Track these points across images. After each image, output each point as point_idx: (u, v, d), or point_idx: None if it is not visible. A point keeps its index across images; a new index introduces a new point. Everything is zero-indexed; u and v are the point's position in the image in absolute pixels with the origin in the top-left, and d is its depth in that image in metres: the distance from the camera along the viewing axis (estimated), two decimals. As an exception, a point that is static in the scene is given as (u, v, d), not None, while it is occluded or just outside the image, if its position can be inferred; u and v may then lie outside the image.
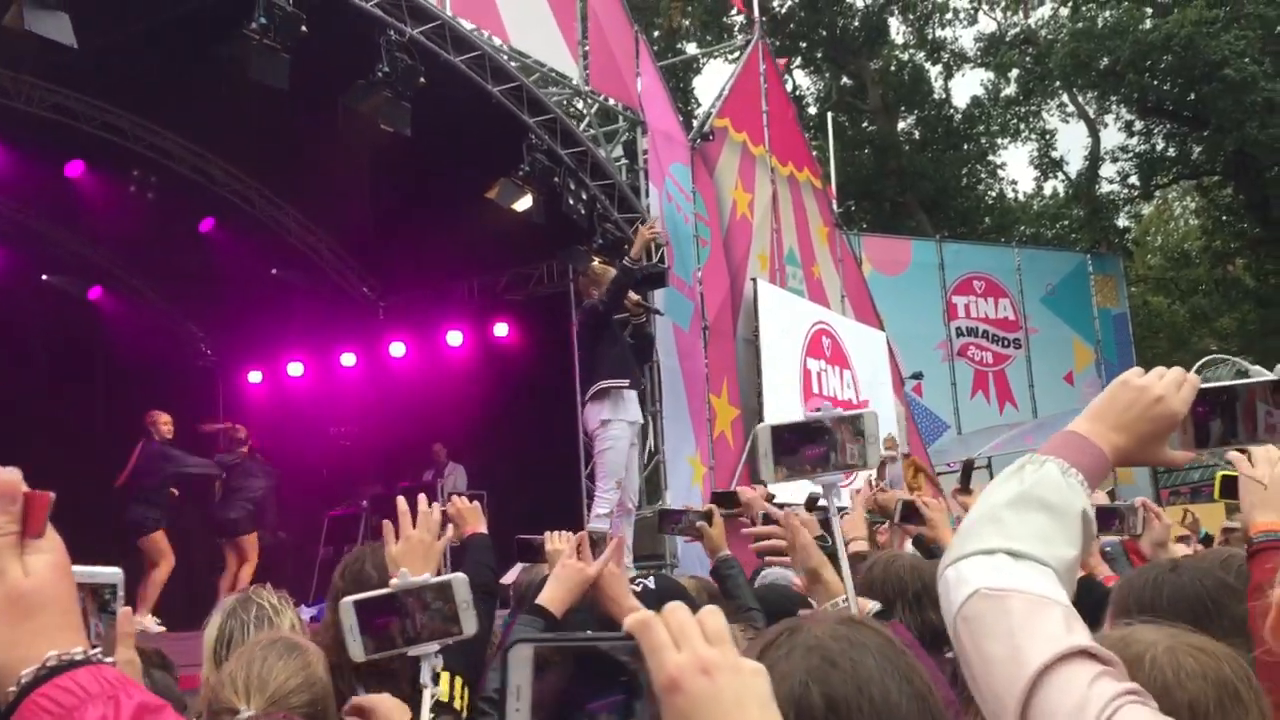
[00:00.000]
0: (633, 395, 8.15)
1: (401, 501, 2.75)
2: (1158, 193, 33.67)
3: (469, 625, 2.00)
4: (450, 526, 3.48)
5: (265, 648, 2.25)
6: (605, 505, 7.81)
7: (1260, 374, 1.58)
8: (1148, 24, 25.62)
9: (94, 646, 1.17)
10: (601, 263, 8.97)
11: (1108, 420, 1.49)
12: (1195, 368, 1.55)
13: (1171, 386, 1.52)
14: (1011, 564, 1.32)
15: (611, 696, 1.08)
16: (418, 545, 2.66)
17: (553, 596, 2.90)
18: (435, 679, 1.95)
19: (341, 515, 11.81)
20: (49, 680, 0.89)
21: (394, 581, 2.00)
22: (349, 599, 1.97)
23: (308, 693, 2.18)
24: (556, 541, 3.62)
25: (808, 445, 2.27)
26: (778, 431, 2.27)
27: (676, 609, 1.03)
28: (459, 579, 2.02)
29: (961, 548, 1.37)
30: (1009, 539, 1.34)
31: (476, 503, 3.56)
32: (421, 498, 2.80)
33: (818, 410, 2.31)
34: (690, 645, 0.99)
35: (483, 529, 3.50)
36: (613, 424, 7.93)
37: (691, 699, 0.96)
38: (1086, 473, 1.42)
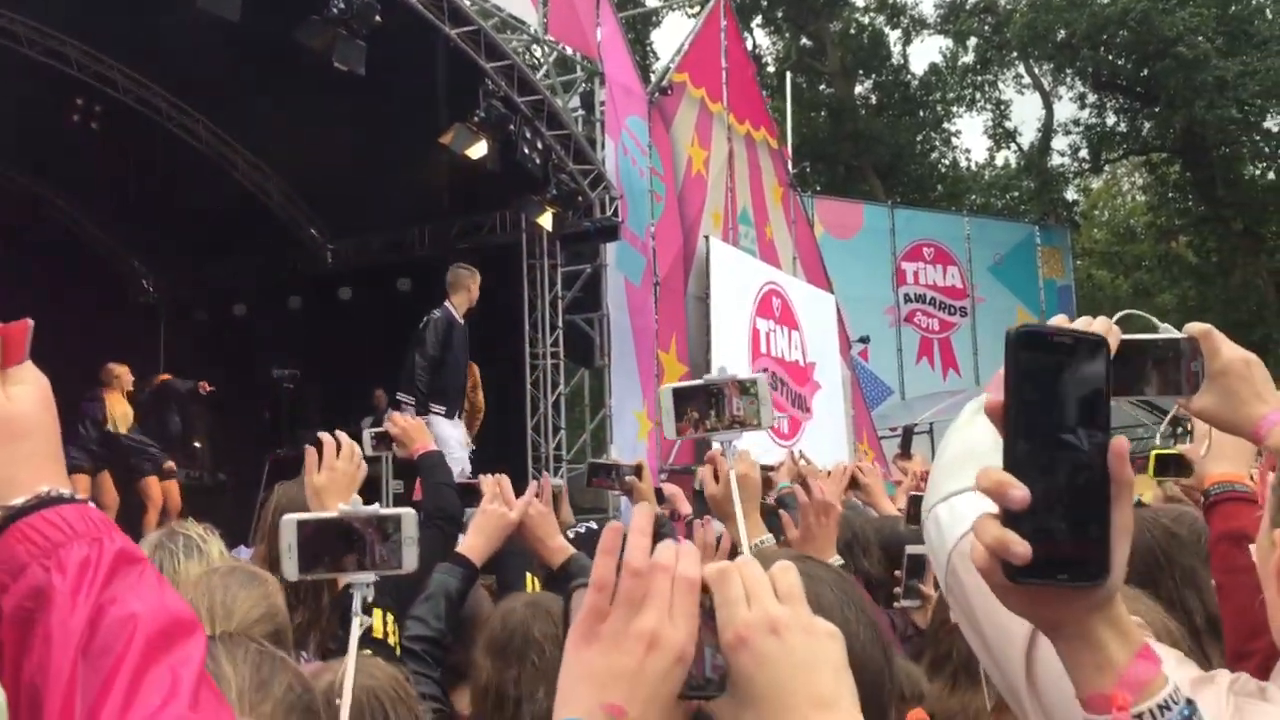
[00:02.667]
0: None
1: (325, 434, 2.77)
2: (1107, 167, 34.08)
3: (410, 561, 1.98)
4: (395, 446, 3.46)
5: (225, 576, 2.23)
6: None
7: (1169, 330, 1.62)
8: (1105, -2, 25.82)
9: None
10: (464, 268, 9.10)
11: None
12: (1115, 319, 1.56)
13: (1103, 331, 1.51)
14: None
15: None
16: (340, 476, 2.68)
17: (473, 545, 2.91)
18: (367, 610, 1.93)
19: (283, 458, 11.70)
20: (36, 511, 0.87)
21: (342, 506, 1.97)
22: (292, 516, 1.93)
23: (270, 623, 2.17)
24: (492, 485, 3.61)
25: (706, 405, 2.43)
26: (679, 392, 2.44)
27: (750, 564, 1.02)
28: (408, 514, 1.99)
29: (947, 485, 1.36)
30: None
31: (420, 419, 3.52)
32: (340, 433, 2.81)
33: (712, 374, 2.46)
34: (761, 602, 0.98)
35: (433, 446, 3.47)
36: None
37: (758, 658, 0.96)
38: None
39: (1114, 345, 1.51)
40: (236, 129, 12.51)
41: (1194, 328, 1.62)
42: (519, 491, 3.10)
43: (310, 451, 2.73)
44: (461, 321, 8.92)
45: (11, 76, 10.77)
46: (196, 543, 2.59)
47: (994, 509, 1.29)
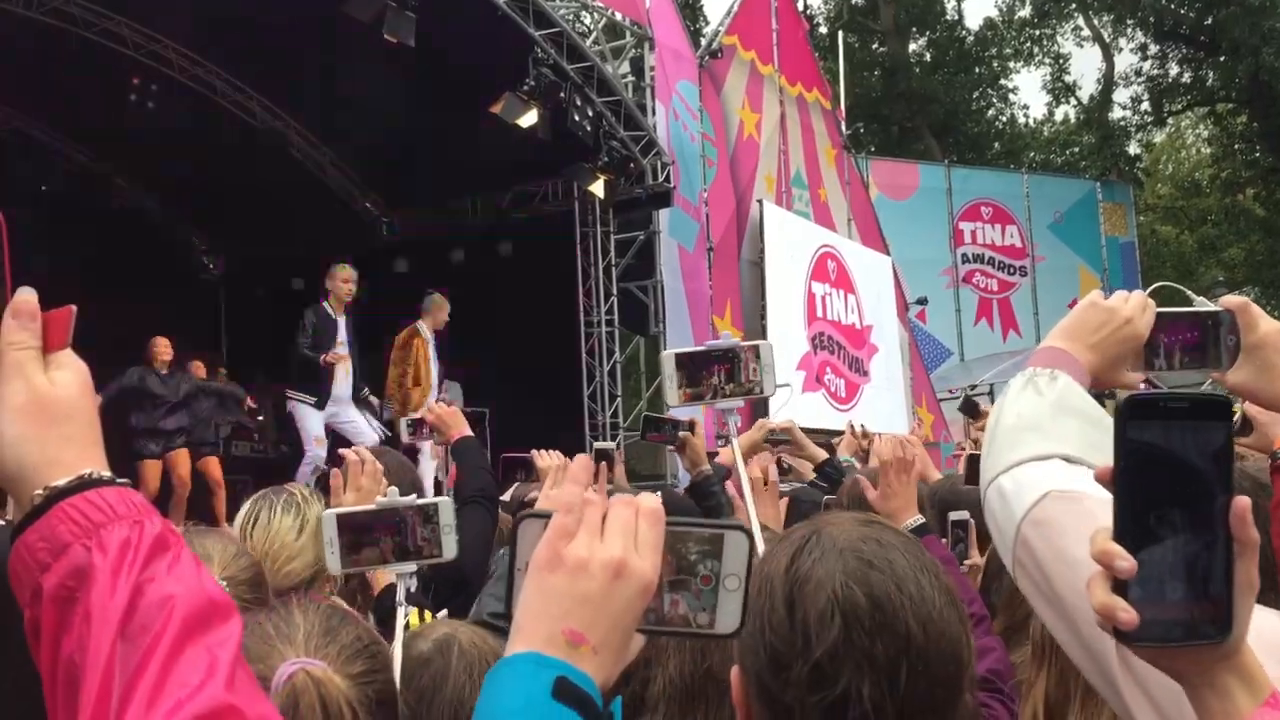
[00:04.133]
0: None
1: (350, 453, 2.81)
2: (1170, 120, 33.26)
3: (449, 549, 2.00)
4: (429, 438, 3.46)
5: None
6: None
7: (1204, 304, 1.61)
8: (1168, -55, 25.12)
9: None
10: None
11: (1081, 339, 1.50)
12: (1147, 292, 1.58)
13: (1137, 310, 1.54)
14: (1069, 469, 1.29)
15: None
16: (366, 496, 2.69)
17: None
18: (412, 600, 1.95)
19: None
20: (79, 492, 0.89)
21: (379, 499, 1.99)
22: (331, 511, 1.96)
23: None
24: (546, 458, 3.62)
25: (709, 372, 2.36)
26: (681, 358, 2.37)
27: (622, 502, 1.03)
28: (445, 503, 2.01)
29: (1009, 456, 1.33)
30: (1059, 445, 1.32)
31: (454, 405, 3.55)
32: (362, 449, 2.86)
33: (717, 339, 2.40)
34: (597, 540, 0.99)
35: (468, 431, 3.49)
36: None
37: (537, 585, 0.97)
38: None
39: (1150, 320, 1.54)
40: (290, 104, 12.60)
41: (1230, 300, 1.59)
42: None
43: (336, 474, 2.78)
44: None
45: (70, 59, 10.93)
46: (298, 500, 2.67)
47: (1064, 481, 1.27)
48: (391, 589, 2.51)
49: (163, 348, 9.87)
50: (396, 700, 1.49)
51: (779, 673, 1.18)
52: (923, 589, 1.20)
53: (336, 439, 9.03)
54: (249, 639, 1.33)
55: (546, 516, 1.02)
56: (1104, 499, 1.23)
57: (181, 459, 9.84)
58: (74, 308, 0.98)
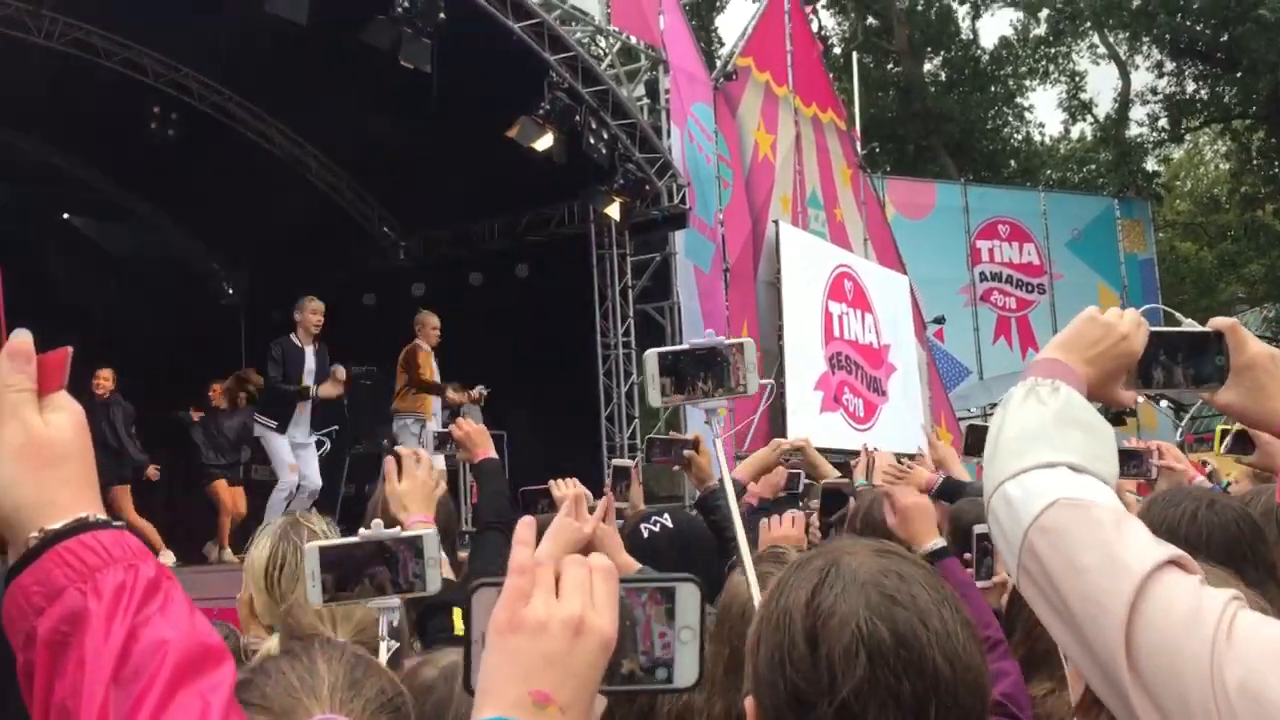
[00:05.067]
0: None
1: (405, 449, 2.84)
2: (1188, 136, 33.15)
3: (433, 582, 1.97)
4: (455, 454, 3.49)
5: None
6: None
7: (1193, 325, 1.65)
8: (1182, -37, 25.10)
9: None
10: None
11: (1078, 352, 1.51)
12: (1140, 312, 1.59)
13: (1133, 326, 1.55)
14: (1076, 477, 1.29)
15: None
16: (421, 486, 2.72)
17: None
18: (394, 634, 1.93)
19: (363, 454, 11.87)
20: (74, 535, 0.89)
21: (363, 530, 1.96)
22: (314, 544, 1.93)
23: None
24: (563, 487, 3.61)
25: (693, 371, 2.34)
26: (664, 356, 2.34)
27: (574, 561, 1.04)
28: (429, 535, 1.98)
29: (1014, 464, 1.33)
30: (1066, 454, 1.32)
31: (483, 425, 3.56)
32: (420, 450, 2.88)
33: (701, 338, 2.38)
34: (553, 599, 0.99)
35: (493, 453, 3.51)
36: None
37: (501, 649, 0.97)
38: None
39: (1144, 337, 1.56)
40: (308, 130, 12.70)
41: (1220, 321, 1.63)
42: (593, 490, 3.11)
43: (390, 461, 2.78)
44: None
45: (92, 88, 11.07)
46: (320, 539, 2.65)
47: (1073, 489, 1.27)
48: (429, 609, 2.51)
49: (103, 379, 9.85)
50: None
51: (801, 710, 1.18)
52: (946, 623, 1.20)
53: None
54: (274, 689, 1.34)
55: (499, 584, 1.02)
56: (1109, 507, 1.24)
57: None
58: (69, 350, 0.97)
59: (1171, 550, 1.18)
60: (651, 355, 2.36)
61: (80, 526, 0.89)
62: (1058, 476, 1.29)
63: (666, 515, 3.28)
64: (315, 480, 9.38)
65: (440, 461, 8.99)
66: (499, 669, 0.96)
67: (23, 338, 0.95)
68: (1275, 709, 0.97)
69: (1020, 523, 1.27)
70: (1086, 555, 1.19)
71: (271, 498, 9.14)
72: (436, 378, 10.12)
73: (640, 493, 4.87)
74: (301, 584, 1.92)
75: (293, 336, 9.38)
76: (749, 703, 1.25)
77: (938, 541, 2.76)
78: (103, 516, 0.92)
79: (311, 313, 9.32)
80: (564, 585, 1.01)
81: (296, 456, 9.24)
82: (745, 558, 2.02)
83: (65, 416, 0.95)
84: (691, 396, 2.35)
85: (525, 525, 1.05)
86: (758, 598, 1.75)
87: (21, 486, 0.91)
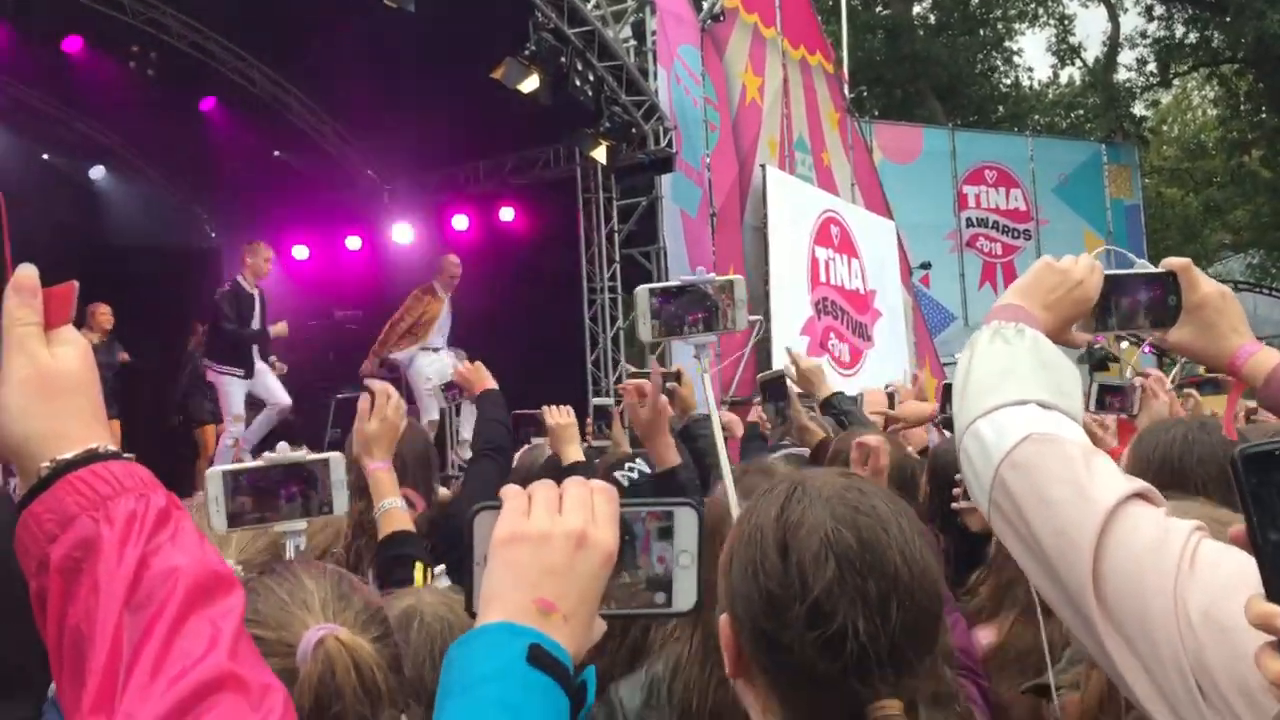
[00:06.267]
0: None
1: (376, 383, 2.84)
2: (1176, 81, 33.02)
3: (340, 504, 1.95)
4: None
5: None
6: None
7: (1146, 266, 1.71)
8: (1174, -97, 24.83)
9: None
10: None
11: (1036, 299, 1.56)
12: (1093, 255, 1.66)
13: (1087, 271, 1.61)
14: (1045, 414, 1.32)
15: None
16: (389, 429, 2.72)
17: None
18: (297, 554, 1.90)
19: (348, 398, 11.87)
20: (86, 465, 0.90)
21: (267, 454, 1.93)
22: (217, 468, 1.88)
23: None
24: (555, 415, 3.65)
25: (683, 307, 2.38)
26: (655, 293, 2.39)
27: (543, 485, 1.08)
28: (335, 458, 1.96)
29: (984, 402, 1.36)
30: (1035, 391, 1.35)
31: (479, 362, 3.60)
32: (389, 386, 2.87)
33: (692, 275, 2.42)
34: (540, 514, 1.03)
35: (491, 384, 3.56)
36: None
37: (500, 561, 1.01)
38: None
39: (1098, 281, 1.62)
40: (289, 71, 12.53)
41: (1172, 262, 1.68)
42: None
43: (364, 398, 2.77)
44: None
45: (69, 26, 10.88)
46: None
47: (1043, 424, 1.30)
48: (392, 538, 2.53)
49: (103, 316, 10.18)
50: (403, 665, 1.51)
51: (776, 614, 1.25)
52: (904, 531, 1.29)
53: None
54: (266, 606, 1.36)
55: (498, 507, 1.04)
56: (1081, 441, 1.26)
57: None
58: (75, 284, 0.98)
59: (1138, 483, 1.20)
60: (643, 291, 2.40)
61: (91, 457, 0.90)
62: (1028, 413, 1.32)
63: (640, 460, 3.29)
64: (284, 398, 9.68)
65: (435, 411, 9.18)
66: (503, 579, 0.99)
67: (28, 272, 0.96)
68: (1237, 635, 0.98)
69: (991, 459, 1.30)
70: (1056, 489, 1.22)
71: (219, 445, 9.39)
72: (441, 329, 10.43)
73: (623, 433, 4.87)
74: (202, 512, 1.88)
75: (241, 280, 9.61)
76: (723, 620, 1.31)
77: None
78: (113, 448, 0.93)
79: (265, 260, 9.70)
80: (565, 502, 1.04)
81: (258, 385, 9.50)
82: (727, 477, 2.07)
83: (72, 350, 0.96)
84: (681, 333, 2.39)
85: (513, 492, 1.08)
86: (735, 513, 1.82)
87: (32, 417, 0.91)
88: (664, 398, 3.05)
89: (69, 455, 0.90)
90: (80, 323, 9.52)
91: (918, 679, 1.26)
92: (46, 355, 0.94)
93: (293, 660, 1.30)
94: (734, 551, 1.31)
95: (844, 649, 1.22)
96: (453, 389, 3.81)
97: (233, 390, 9.35)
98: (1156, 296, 1.66)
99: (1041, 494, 1.23)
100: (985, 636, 2.49)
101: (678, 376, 4.14)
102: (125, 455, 0.93)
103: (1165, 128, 36.83)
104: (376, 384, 2.82)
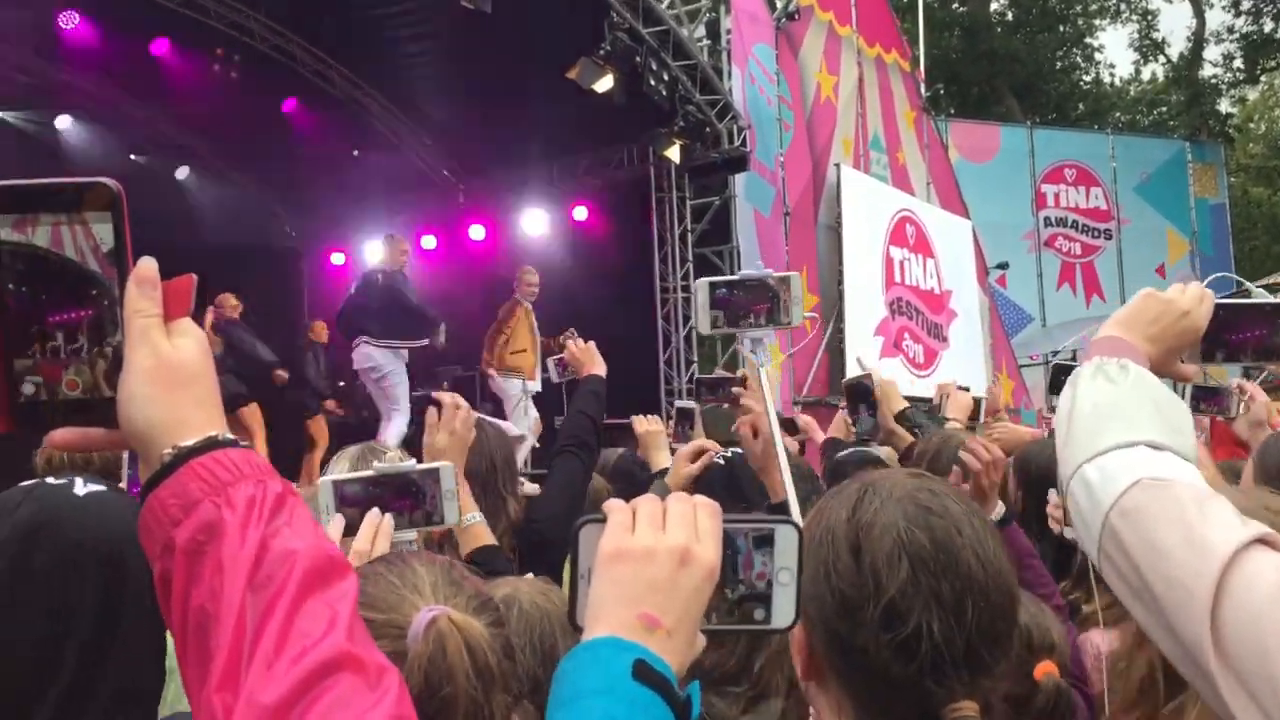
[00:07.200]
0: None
1: (445, 395, 2.78)
2: (1264, 77, 32.12)
3: (450, 515, 1.96)
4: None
5: None
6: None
7: (1262, 295, 1.66)
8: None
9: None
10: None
11: (1138, 330, 1.51)
12: (1205, 284, 1.58)
13: (1194, 302, 1.54)
14: (1155, 455, 1.26)
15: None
16: (458, 442, 2.65)
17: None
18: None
19: (424, 396, 11.99)
20: (207, 452, 0.92)
21: (377, 465, 1.95)
22: (328, 478, 1.92)
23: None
24: (645, 422, 3.66)
25: (746, 300, 2.43)
26: (715, 286, 2.44)
27: (648, 499, 1.09)
28: (446, 468, 1.98)
29: (1090, 445, 1.30)
30: (1143, 431, 1.29)
31: (592, 343, 3.56)
32: (458, 396, 2.83)
33: (753, 270, 2.46)
34: (640, 530, 1.04)
35: (600, 370, 3.47)
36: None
37: (608, 578, 1.03)
38: None
39: (1208, 311, 1.55)
40: (368, 73, 12.70)
41: None
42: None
43: (431, 411, 2.75)
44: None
45: (157, 28, 11.13)
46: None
47: (1153, 468, 1.24)
48: (485, 550, 2.52)
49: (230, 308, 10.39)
50: (515, 652, 1.52)
51: (849, 616, 1.25)
52: (977, 531, 1.29)
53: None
54: (376, 589, 1.38)
55: (603, 520, 1.06)
56: (1190, 485, 1.21)
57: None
58: (194, 277, 1.00)
59: (1258, 528, 1.14)
60: (703, 284, 2.45)
61: (211, 444, 0.93)
62: (1137, 456, 1.27)
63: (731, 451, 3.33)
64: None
65: (534, 413, 9.33)
66: (607, 595, 1.01)
67: (149, 265, 0.98)
68: None
69: (1100, 506, 1.25)
70: (1169, 536, 1.16)
71: (388, 433, 9.52)
72: (535, 334, 10.31)
73: (703, 433, 4.90)
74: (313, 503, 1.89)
75: (379, 271, 9.85)
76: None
77: (1000, 508, 2.70)
78: (231, 436, 0.95)
79: (401, 252, 9.98)
80: (669, 518, 1.05)
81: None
82: (787, 477, 2.06)
83: (191, 341, 0.98)
84: (741, 325, 2.40)
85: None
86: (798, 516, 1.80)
87: (154, 405, 0.93)
88: (771, 435, 3.02)
89: (190, 442, 0.92)
90: (199, 315, 9.86)
91: (993, 679, 1.26)
92: (168, 346, 0.96)
93: (403, 643, 1.31)
94: (805, 553, 1.30)
95: (919, 650, 1.22)
96: (562, 364, 3.82)
97: (402, 377, 9.73)
98: (1270, 328, 1.60)
99: (1153, 542, 1.17)
100: (1103, 642, 2.41)
101: (743, 382, 4.12)
102: (243, 443, 0.95)
103: (1252, 125, 35.85)
104: (445, 395, 2.78)
